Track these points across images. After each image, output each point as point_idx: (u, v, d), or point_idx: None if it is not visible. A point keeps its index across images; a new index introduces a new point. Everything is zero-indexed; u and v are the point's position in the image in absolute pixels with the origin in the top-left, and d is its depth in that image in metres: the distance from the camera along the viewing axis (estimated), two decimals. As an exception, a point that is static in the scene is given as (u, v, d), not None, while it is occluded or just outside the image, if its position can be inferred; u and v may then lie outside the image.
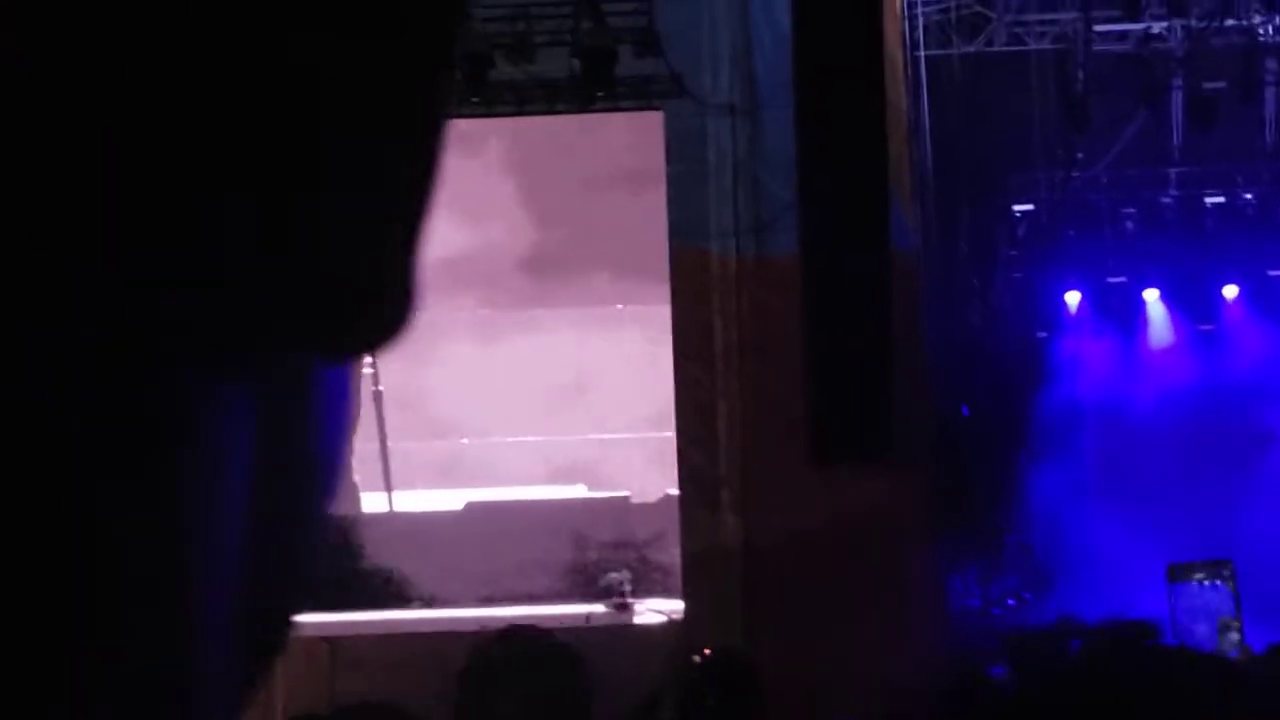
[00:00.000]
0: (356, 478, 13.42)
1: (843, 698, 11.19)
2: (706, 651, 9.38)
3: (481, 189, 13.49)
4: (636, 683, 11.28)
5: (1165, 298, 14.49)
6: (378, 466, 13.41)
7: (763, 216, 13.36)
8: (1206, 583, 11.38)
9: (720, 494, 13.36)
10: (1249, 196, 14.48)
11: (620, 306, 13.44)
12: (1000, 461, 13.48)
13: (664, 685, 10.75)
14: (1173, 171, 14.52)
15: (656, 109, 13.33)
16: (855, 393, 12.03)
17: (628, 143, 13.43)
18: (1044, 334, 14.39)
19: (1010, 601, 13.03)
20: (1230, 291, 14.54)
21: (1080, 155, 14.24)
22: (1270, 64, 14.08)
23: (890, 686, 12.04)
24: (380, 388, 13.50)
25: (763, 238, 13.35)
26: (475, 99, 13.36)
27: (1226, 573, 11.41)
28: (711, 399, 13.38)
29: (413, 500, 13.34)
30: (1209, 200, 14.43)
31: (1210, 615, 10.93)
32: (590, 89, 13.25)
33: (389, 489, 13.43)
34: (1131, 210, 14.41)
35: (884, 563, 12.26)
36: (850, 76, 12.20)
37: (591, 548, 13.07)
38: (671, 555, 13.00)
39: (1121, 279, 14.45)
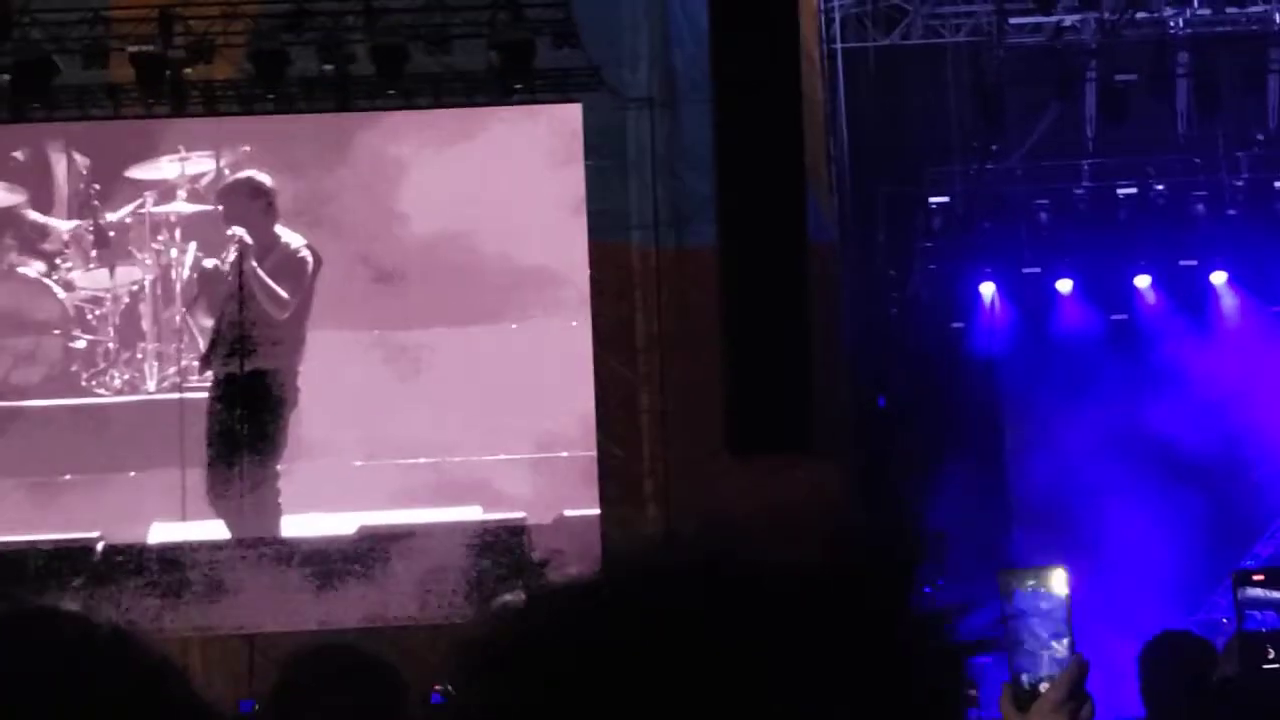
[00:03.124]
0: (281, 500, 13.08)
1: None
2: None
3: (357, 193, 13.27)
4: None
5: (1078, 288, 14.63)
6: (306, 486, 13.00)
7: (682, 210, 13.40)
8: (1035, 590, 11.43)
9: (642, 485, 13.40)
10: (1160, 187, 14.65)
11: (514, 325, 13.17)
12: (916, 451, 13.58)
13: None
14: (1085, 163, 14.68)
15: (575, 101, 13.33)
16: (775, 384, 12.10)
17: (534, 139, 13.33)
18: (960, 324, 14.50)
19: (926, 589, 13.13)
20: (1142, 281, 14.71)
21: (995, 148, 14.36)
22: (1181, 57, 14.25)
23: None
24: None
25: (682, 231, 13.39)
26: (392, 91, 13.32)
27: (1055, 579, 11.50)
28: (633, 391, 13.41)
29: (304, 525, 12.97)
30: (1121, 191, 14.58)
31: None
32: (508, 81, 13.25)
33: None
34: (1045, 201, 14.55)
35: (802, 553, 12.32)
36: (767, 70, 12.26)
37: (487, 570, 12.85)
38: (569, 576, 12.81)
39: (1036, 270, 14.58)
